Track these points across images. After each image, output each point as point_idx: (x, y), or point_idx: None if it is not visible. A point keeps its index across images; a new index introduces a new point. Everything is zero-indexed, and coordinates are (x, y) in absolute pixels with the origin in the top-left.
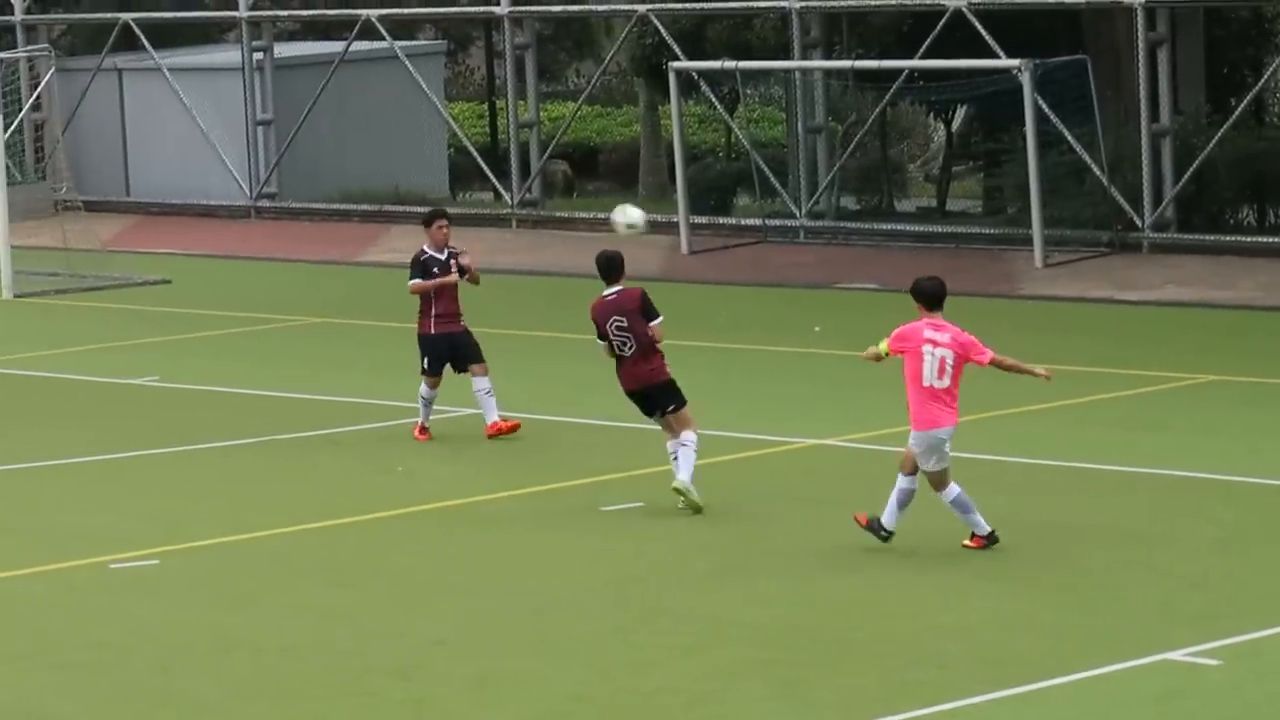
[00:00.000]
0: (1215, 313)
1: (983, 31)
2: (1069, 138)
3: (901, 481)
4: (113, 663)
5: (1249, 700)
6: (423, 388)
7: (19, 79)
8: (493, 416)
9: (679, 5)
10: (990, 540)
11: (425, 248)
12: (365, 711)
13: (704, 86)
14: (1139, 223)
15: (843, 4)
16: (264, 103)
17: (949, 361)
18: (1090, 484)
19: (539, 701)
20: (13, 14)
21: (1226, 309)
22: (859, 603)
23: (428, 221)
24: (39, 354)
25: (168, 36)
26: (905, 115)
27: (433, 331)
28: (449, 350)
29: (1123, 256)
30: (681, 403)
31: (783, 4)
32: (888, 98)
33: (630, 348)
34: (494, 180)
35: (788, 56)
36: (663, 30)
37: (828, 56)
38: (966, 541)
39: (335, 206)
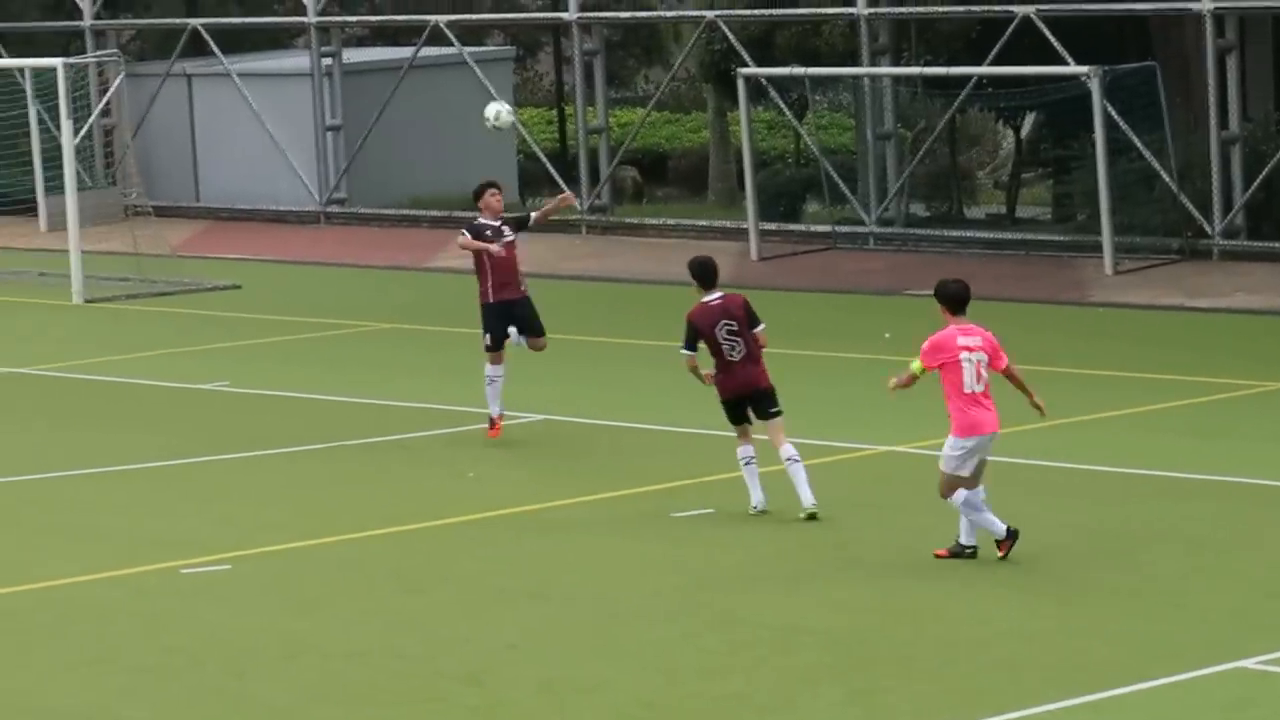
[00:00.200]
0: None
1: (1051, 38)
2: (1138, 144)
3: (958, 497)
4: (183, 667)
5: None
6: (487, 368)
7: (89, 84)
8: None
9: (748, 11)
10: (1006, 543)
11: (480, 218)
12: (434, 717)
13: (773, 93)
14: (1208, 230)
15: (911, 11)
16: (333, 108)
17: (983, 364)
18: (1159, 491)
19: (608, 707)
20: (82, 19)
21: None
22: (929, 609)
23: (479, 194)
24: (109, 359)
25: (236, 42)
26: (974, 122)
27: (491, 300)
28: (508, 318)
29: (1192, 264)
30: (781, 410)
31: (851, 10)
32: (956, 104)
33: (739, 352)
34: (563, 186)
35: (856, 63)
36: (731, 36)
37: (896, 63)
38: (997, 552)
39: (404, 212)
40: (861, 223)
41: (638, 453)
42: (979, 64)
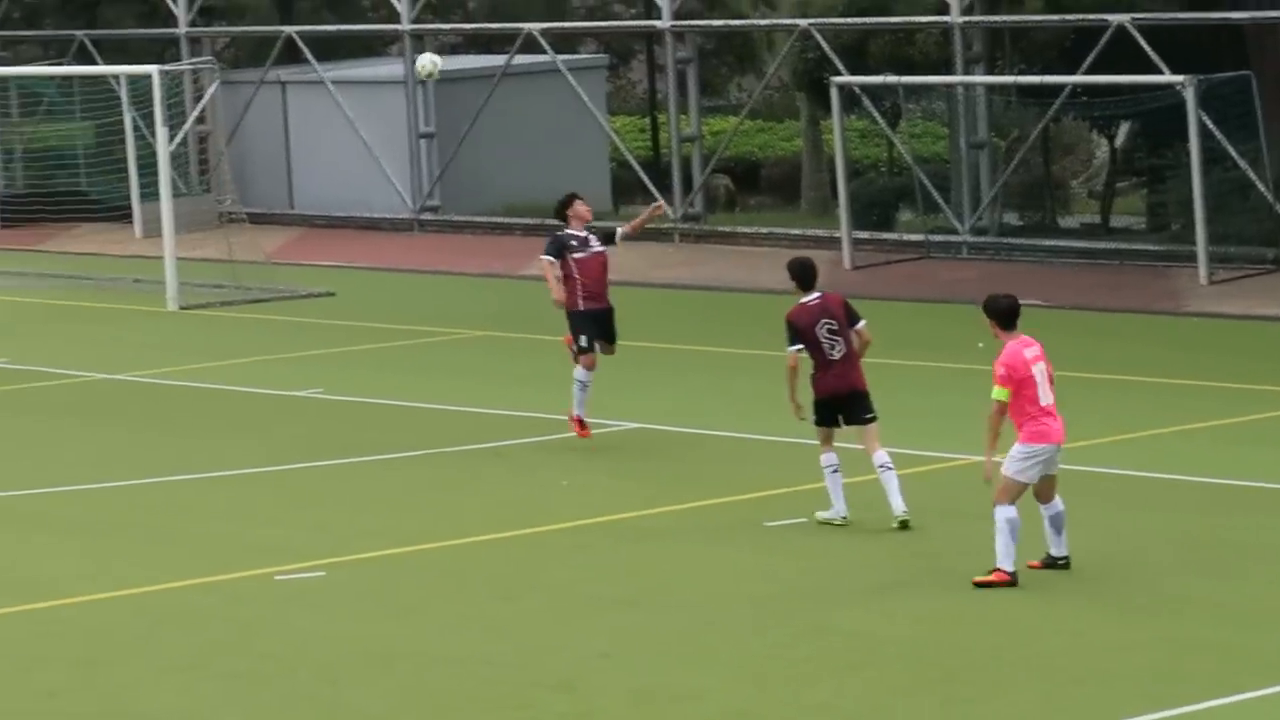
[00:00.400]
0: None
1: (1146, 47)
2: (1233, 154)
3: (1048, 510)
4: (277, 673)
5: None
6: (579, 371)
7: (184, 92)
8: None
9: (842, 19)
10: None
11: (568, 227)
12: None
13: (866, 101)
14: None
15: (1006, 19)
16: (427, 116)
17: (1049, 372)
18: (1251, 503)
19: (700, 716)
20: (177, 26)
21: None
22: (1020, 620)
23: (565, 205)
24: (204, 365)
25: (330, 49)
26: (1068, 131)
27: (580, 307)
28: (595, 326)
29: None
30: (875, 415)
31: (946, 19)
32: (1050, 113)
33: (839, 350)
34: (656, 194)
35: (950, 71)
36: (825, 45)
37: (990, 71)
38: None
39: (497, 220)
40: (955, 232)
41: (730, 461)
42: (1073, 73)
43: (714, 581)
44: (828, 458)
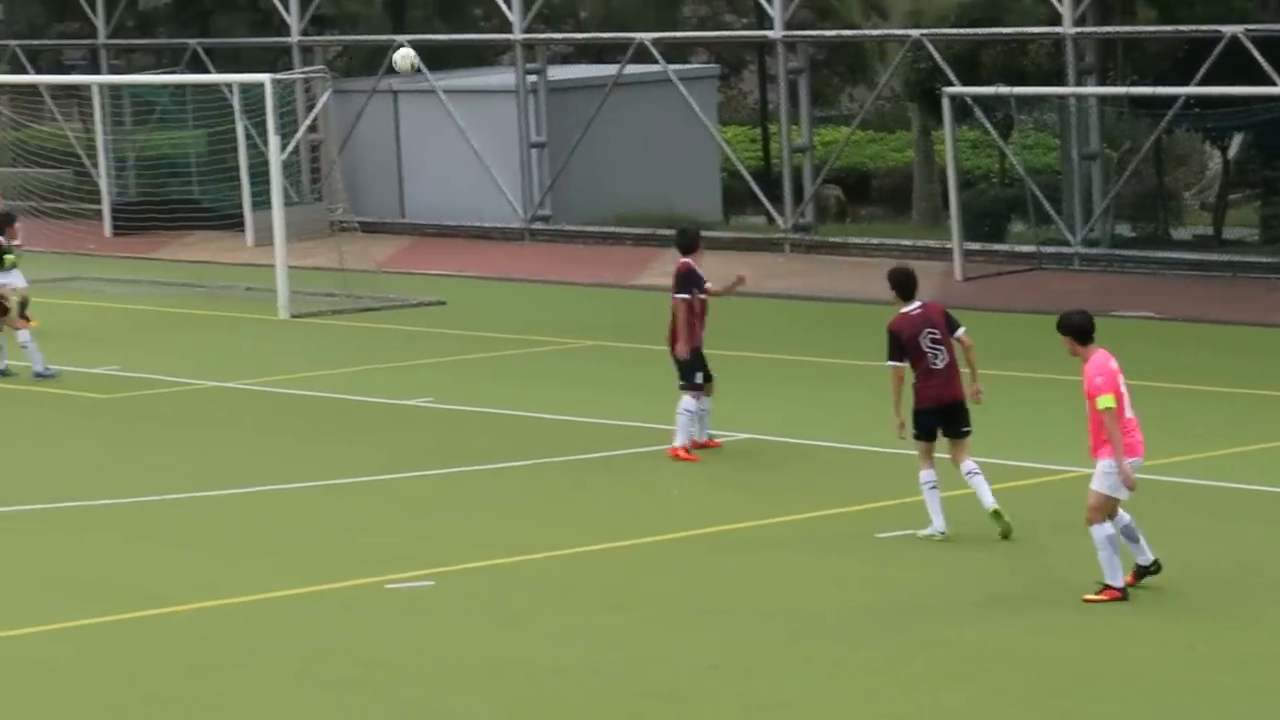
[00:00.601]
0: None
1: (1259, 58)
2: None
3: (1117, 523)
4: (387, 682)
5: None
6: (693, 402)
7: (296, 100)
8: (684, 439)
9: (954, 30)
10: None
11: (695, 267)
12: None
13: (978, 112)
14: None
15: (1118, 30)
16: (538, 125)
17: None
18: None
19: None
20: (290, 35)
21: None
22: (1132, 633)
23: (697, 243)
24: (315, 374)
25: (442, 58)
26: (1181, 142)
27: (700, 345)
28: (705, 366)
29: None
30: (971, 429)
31: (1058, 30)
32: (1163, 125)
33: (942, 360)
34: (767, 204)
35: (1062, 82)
36: (937, 55)
37: (1103, 82)
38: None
39: (608, 229)
40: (1066, 243)
41: (840, 472)
42: (1186, 84)
43: (824, 593)
44: (927, 474)
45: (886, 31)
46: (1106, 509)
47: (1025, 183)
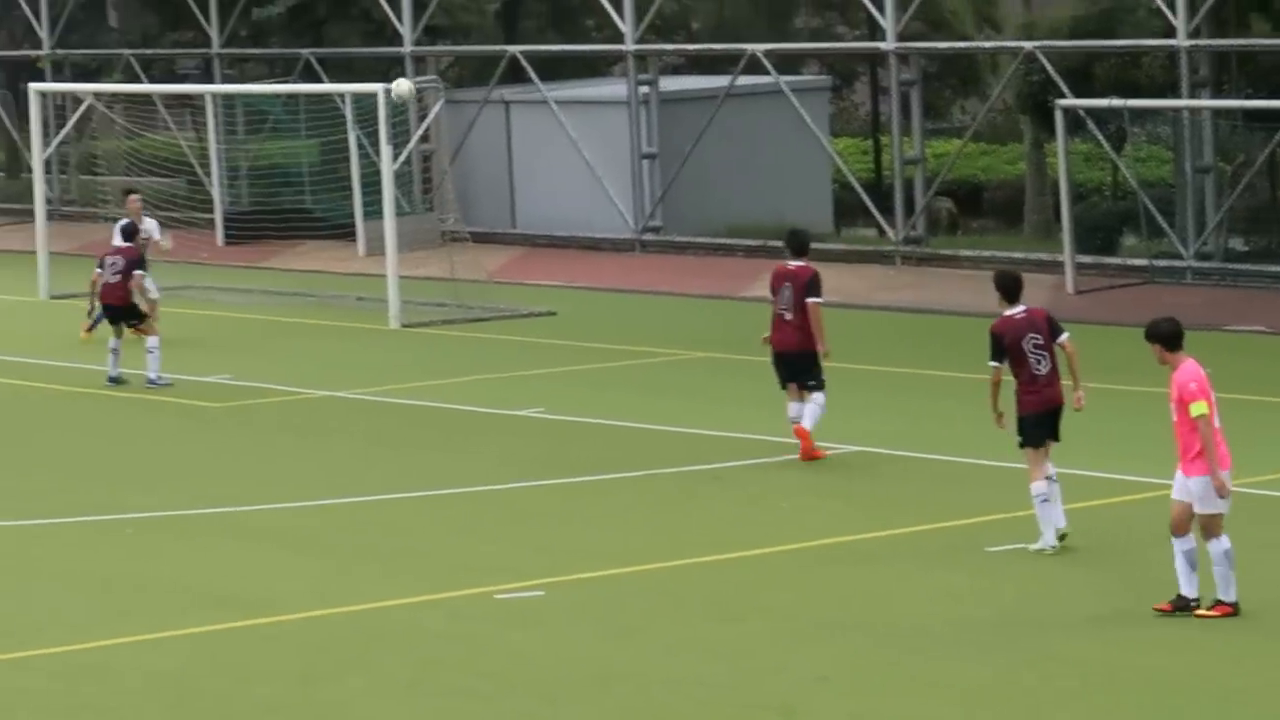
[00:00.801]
0: None
1: None
2: None
3: (1184, 544)
4: (496, 692)
5: None
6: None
7: (408, 110)
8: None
9: (1067, 42)
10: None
11: None
12: None
13: (1090, 124)
14: None
15: (1233, 42)
16: (649, 136)
17: None
18: None
19: None
20: (403, 45)
21: None
22: (1248, 649)
23: (809, 246)
24: (425, 384)
25: (554, 69)
26: None
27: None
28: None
29: None
30: (1059, 439)
31: (1172, 42)
32: (1278, 138)
33: (1045, 366)
34: (878, 217)
35: (1176, 95)
36: (1049, 67)
37: (1217, 95)
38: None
39: (719, 240)
40: (1179, 256)
41: (950, 485)
42: None
43: (933, 606)
44: (1038, 486)
45: (999, 43)
46: (1216, 526)
47: (1138, 196)
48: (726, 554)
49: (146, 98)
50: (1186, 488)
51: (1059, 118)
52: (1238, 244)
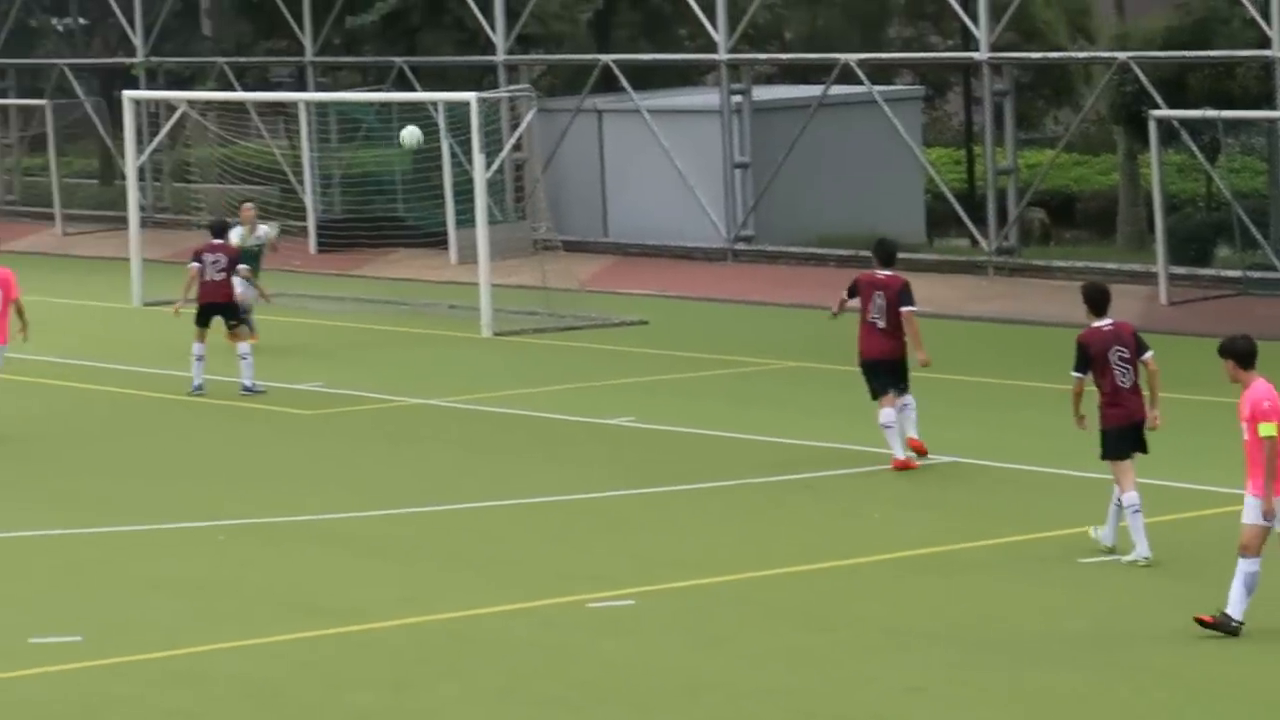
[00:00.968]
0: None
1: None
2: None
3: (1250, 565)
4: (587, 702)
5: None
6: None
7: (500, 119)
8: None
9: (1161, 53)
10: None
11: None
12: None
13: (1184, 135)
14: None
15: None
16: (742, 145)
17: None
18: None
19: None
20: (495, 54)
21: None
22: None
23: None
24: (517, 392)
25: (646, 78)
26: None
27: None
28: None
29: None
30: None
31: (1267, 53)
32: None
33: (1128, 380)
34: (970, 227)
35: (1271, 106)
36: (1143, 78)
37: None
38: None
39: (811, 250)
40: (1274, 268)
41: (1043, 496)
42: None
43: (1027, 618)
44: (1129, 497)
45: (1093, 54)
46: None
47: (1232, 207)
48: (817, 564)
49: (240, 105)
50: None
51: (1153, 129)
52: None
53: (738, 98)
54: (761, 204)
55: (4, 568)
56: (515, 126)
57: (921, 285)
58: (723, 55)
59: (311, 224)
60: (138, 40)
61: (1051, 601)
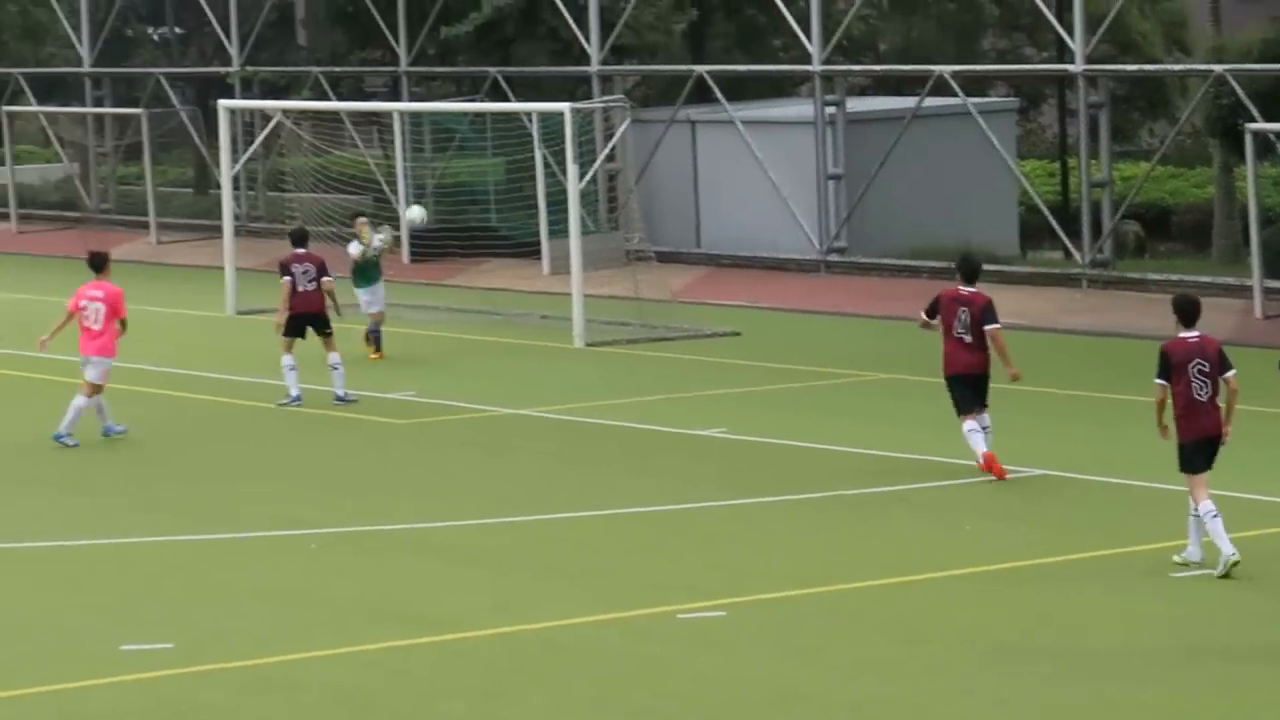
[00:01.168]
0: None
1: None
2: None
3: None
4: (678, 712)
5: None
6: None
7: (594, 129)
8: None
9: (1257, 65)
10: None
11: None
12: None
13: None
14: None
15: None
16: (835, 157)
17: None
18: None
19: None
20: (589, 65)
21: None
22: None
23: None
24: (609, 403)
25: (740, 89)
26: None
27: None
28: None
29: None
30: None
31: None
32: None
33: (1205, 393)
34: (1065, 239)
35: None
36: (1239, 90)
37: None
38: None
39: (905, 262)
40: None
41: (1135, 510)
42: None
43: (1119, 631)
44: (1205, 506)
45: (1188, 66)
46: None
47: None
48: (908, 576)
49: (334, 115)
50: None
51: (1249, 141)
52: None
53: (832, 109)
54: (854, 215)
55: (97, 574)
56: (609, 137)
57: (1014, 298)
58: (817, 66)
59: (404, 234)
60: (233, 49)
61: (1144, 615)
